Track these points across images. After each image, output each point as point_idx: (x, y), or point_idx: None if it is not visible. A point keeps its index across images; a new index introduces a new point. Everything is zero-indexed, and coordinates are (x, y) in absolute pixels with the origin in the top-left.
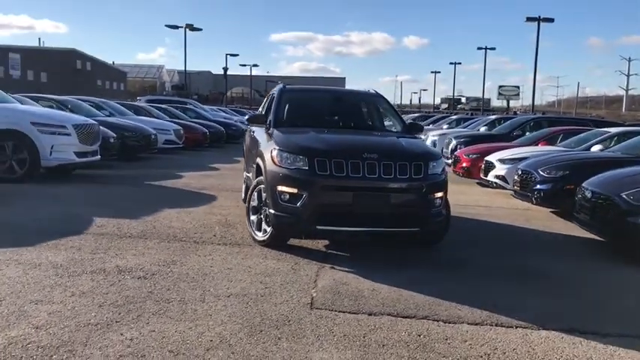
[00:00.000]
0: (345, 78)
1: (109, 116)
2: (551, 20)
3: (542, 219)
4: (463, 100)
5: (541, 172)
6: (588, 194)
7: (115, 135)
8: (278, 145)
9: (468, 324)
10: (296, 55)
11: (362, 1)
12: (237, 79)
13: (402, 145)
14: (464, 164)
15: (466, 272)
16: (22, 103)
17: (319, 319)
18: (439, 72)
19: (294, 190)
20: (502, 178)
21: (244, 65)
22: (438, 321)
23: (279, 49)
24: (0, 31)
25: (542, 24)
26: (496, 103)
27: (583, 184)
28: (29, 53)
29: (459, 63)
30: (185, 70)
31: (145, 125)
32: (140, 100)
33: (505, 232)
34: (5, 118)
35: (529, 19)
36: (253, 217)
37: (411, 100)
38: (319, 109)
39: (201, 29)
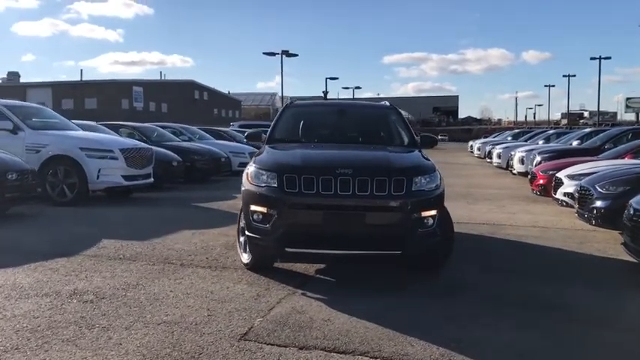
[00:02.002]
0: (457, 96)
1: (186, 141)
2: None
3: (600, 242)
4: (586, 114)
5: (598, 189)
6: (631, 211)
7: (179, 158)
8: (255, 162)
9: None
10: (409, 75)
11: (476, 19)
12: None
13: (386, 159)
14: (540, 181)
15: (456, 300)
16: (97, 131)
17: (238, 352)
18: (553, 85)
19: (264, 210)
20: (570, 195)
21: (347, 88)
22: (376, 358)
23: (392, 71)
24: (136, 67)
25: None
26: (626, 116)
27: (630, 201)
28: (151, 86)
29: (574, 75)
30: (282, 95)
31: (220, 149)
32: (233, 125)
33: (540, 256)
34: (57, 145)
35: None
36: (242, 239)
37: (526, 117)
38: (320, 124)
39: (297, 55)
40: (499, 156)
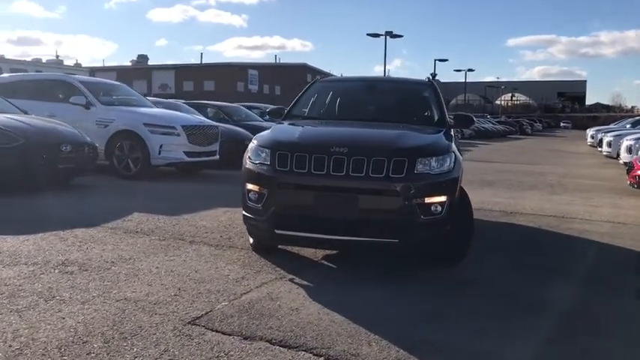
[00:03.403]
0: (585, 81)
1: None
2: None
3: None
4: None
5: None
6: None
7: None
8: (256, 138)
9: None
10: (535, 59)
11: None
12: (461, 86)
13: (392, 138)
14: (638, 172)
15: (453, 298)
16: (180, 110)
17: (175, 336)
18: None
19: (257, 188)
20: None
21: (459, 70)
22: (320, 356)
23: (517, 54)
24: (258, 52)
25: None
26: None
27: None
28: (266, 69)
29: None
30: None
31: None
32: None
33: (587, 256)
34: (122, 120)
35: None
36: None
37: None
38: (344, 101)
39: (401, 36)
40: (609, 144)
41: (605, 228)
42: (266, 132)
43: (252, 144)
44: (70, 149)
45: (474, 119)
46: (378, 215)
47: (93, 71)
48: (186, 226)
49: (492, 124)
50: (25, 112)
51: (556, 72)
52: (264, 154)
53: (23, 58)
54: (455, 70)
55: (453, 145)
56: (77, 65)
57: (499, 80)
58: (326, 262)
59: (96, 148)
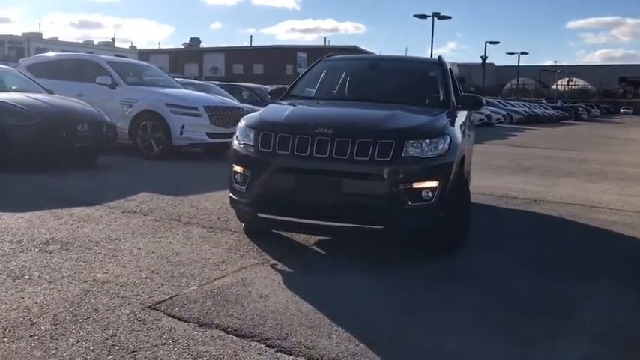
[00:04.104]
0: None
1: None
2: None
3: None
4: None
5: None
6: None
7: None
8: (244, 118)
9: (307, 358)
10: (597, 42)
11: None
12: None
13: (381, 119)
14: None
15: (434, 288)
16: (209, 91)
17: (128, 320)
18: None
19: (241, 170)
20: None
21: (511, 54)
22: (273, 347)
23: (577, 37)
24: (311, 35)
25: None
26: None
27: None
28: (315, 52)
29: None
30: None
31: None
32: None
33: (606, 249)
34: (145, 100)
35: None
36: None
37: None
38: (345, 80)
39: (449, 17)
40: None
41: (633, 219)
42: (256, 112)
43: (240, 124)
44: (86, 128)
45: (482, 100)
46: (363, 200)
47: (146, 54)
48: (188, 207)
49: (545, 108)
50: (50, 92)
51: (619, 55)
52: (250, 134)
53: (76, 41)
54: (507, 53)
55: (452, 128)
56: (132, 48)
57: (556, 64)
58: (316, 248)
59: (115, 127)
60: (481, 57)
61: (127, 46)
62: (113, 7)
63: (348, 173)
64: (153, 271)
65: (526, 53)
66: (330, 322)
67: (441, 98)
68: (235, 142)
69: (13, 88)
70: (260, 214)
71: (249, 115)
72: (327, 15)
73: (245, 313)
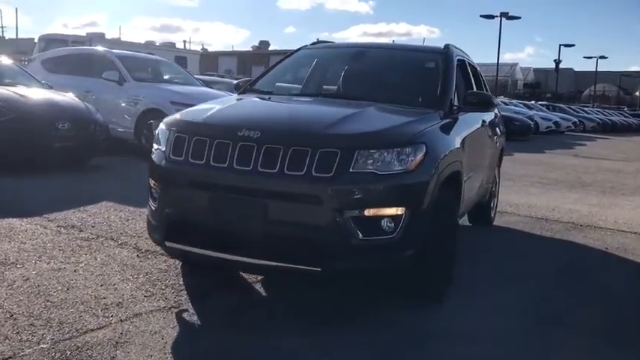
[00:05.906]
0: None
1: None
2: None
3: None
4: None
5: None
6: None
7: None
8: (167, 117)
9: None
10: None
11: None
12: (598, 75)
13: (327, 120)
14: None
15: (391, 356)
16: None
17: None
18: None
19: (152, 183)
20: None
21: (589, 57)
22: None
23: None
24: (383, 38)
25: None
26: None
27: None
28: None
29: None
30: (497, 62)
31: None
32: None
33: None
34: (150, 98)
35: None
36: None
37: None
38: (320, 72)
39: (519, 17)
40: None
41: (627, 240)
42: (185, 109)
43: (161, 124)
44: (68, 126)
45: (492, 100)
46: (294, 231)
47: (214, 56)
48: (141, 222)
49: (624, 116)
50: (50, 87)
51: None
52: (165, 137)
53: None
54: (585, 57)
55: (437, 134)
56: (204, 50)
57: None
58: (259, 287)
59: (106, 126)
60: (554, 60)
61: (198, 48)
62: (192, 12)
63: (276, 193)
64: (12, 315)
65: (605, 57)
66: None
67: (438, 95)
68: (153, 148)
69: (6, 81)
70: (167, 243)
71: (175, 114)
72: (400, 19)
73: None
